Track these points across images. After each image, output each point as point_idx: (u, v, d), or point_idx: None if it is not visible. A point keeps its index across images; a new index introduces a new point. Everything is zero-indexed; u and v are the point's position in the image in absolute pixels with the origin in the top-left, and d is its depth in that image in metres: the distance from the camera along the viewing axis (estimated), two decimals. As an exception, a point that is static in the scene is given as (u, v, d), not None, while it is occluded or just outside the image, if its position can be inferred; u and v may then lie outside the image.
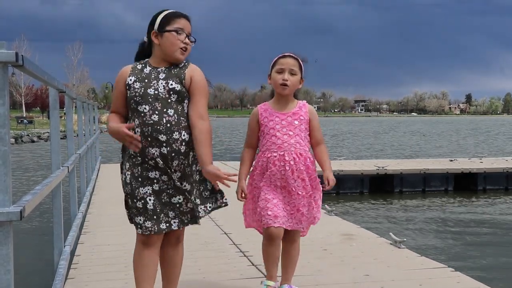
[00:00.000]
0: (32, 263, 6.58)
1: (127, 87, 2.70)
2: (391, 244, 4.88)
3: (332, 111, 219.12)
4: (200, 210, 2.77)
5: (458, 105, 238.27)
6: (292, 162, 3.08)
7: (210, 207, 2.82)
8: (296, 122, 3.13)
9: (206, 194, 2.81)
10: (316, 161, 3.22)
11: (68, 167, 4.35)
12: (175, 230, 2.75)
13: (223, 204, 2.86)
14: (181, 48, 2.67)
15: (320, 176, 3.21)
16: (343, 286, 3.69)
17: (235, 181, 2.79)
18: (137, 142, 2.61)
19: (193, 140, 2.67)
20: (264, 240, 3.16)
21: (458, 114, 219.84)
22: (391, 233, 5.05)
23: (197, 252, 4.60)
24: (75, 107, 9.27)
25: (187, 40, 2.68)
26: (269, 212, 3.06)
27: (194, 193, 2.74)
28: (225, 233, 5.34)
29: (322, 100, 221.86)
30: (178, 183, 2.68)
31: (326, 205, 6.67)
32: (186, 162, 2.68)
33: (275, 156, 3.09)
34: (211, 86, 2.80)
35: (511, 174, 13.01)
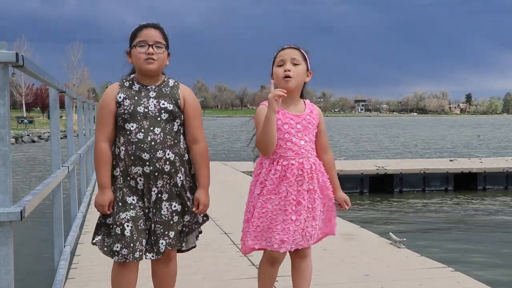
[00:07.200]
0: (33, 263, 6.58)
1: (117, 105, 2.63)
2: (391, 244, 4.88)
3: (332, 110, 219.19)
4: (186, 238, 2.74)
5: (458, 105, 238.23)
6: (309, 171, 2.72)
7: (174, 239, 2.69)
8: (310, 126, 2.77)
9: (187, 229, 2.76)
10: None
11: (68, 167, 4.36)
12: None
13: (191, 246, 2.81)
14: (146, 60, 2.61)
15: None
16: (343, 286, 3.69)
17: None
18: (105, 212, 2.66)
19: (192, 159, 2.72)
20: (265, 262, 2.85)
21: (458, 114, 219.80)
22: (391, 233, 5.05)
23: (197, 252, 4.58)
24: (75, 107, 9.28)
25: (150, 50, 2.60)
26: (277, 236, 2.70)
27: (184, 218, 2.70)
28: (225, 233, 5.34)
29: (322, 100, 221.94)
30: (166, 204, 2.62)
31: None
32: (173, 182, 2.63)
33: (293, 164, 2.70)
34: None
35: (511, 174, 13.02)
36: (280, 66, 2.74)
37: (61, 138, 4.57)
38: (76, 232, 5.02)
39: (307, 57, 2.79)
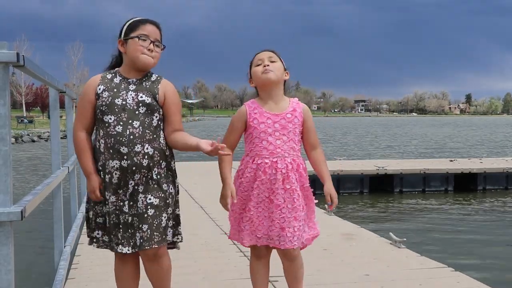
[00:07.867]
0: (33, 263, 6.58)
1: (97, 97, 2.63)
2: (391, 244, 4.88)
3: (332, 111, 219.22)
4: (168, 233, 2.68)
5: (458, 105, 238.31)
6: (284, 171, 2.74)
7: (168, 238, 2.69)
8: (290, 125, 2.78)
9: (171, 223, 2.71)
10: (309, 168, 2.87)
11: (68, 167, 4.36)
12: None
13: (178, 241, 2.78)
14: (143, 54, 2.61)
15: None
16: (343, 286, 3.69)
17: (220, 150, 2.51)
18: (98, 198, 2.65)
19: (176, 141, 2.65)
20: (251, 255, 2.97)
21: (458, 114, 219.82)
22: (391, 233, 5.06)
23: (197, 252, 4.60)
24: (75, 107, 9.27)
25: (151, 46, 2.61)
26: (245, 232, 2.83)
27: (167, 212, 2.65)
28: (225, 233, 5.34)
29: (322, 100, 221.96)
30: (142, 196, 2.59)
31: (326, 205, 6.67)
32: (150, 175, 2.60)
33: (267, 163, 2.75)
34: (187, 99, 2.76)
35: (511, 174, 12.99)
36: (258, 65, 2.81)
37: (61, 138, 4.56)
38: (76, 232, 5.02)
39: (281, 59, 2.86)
